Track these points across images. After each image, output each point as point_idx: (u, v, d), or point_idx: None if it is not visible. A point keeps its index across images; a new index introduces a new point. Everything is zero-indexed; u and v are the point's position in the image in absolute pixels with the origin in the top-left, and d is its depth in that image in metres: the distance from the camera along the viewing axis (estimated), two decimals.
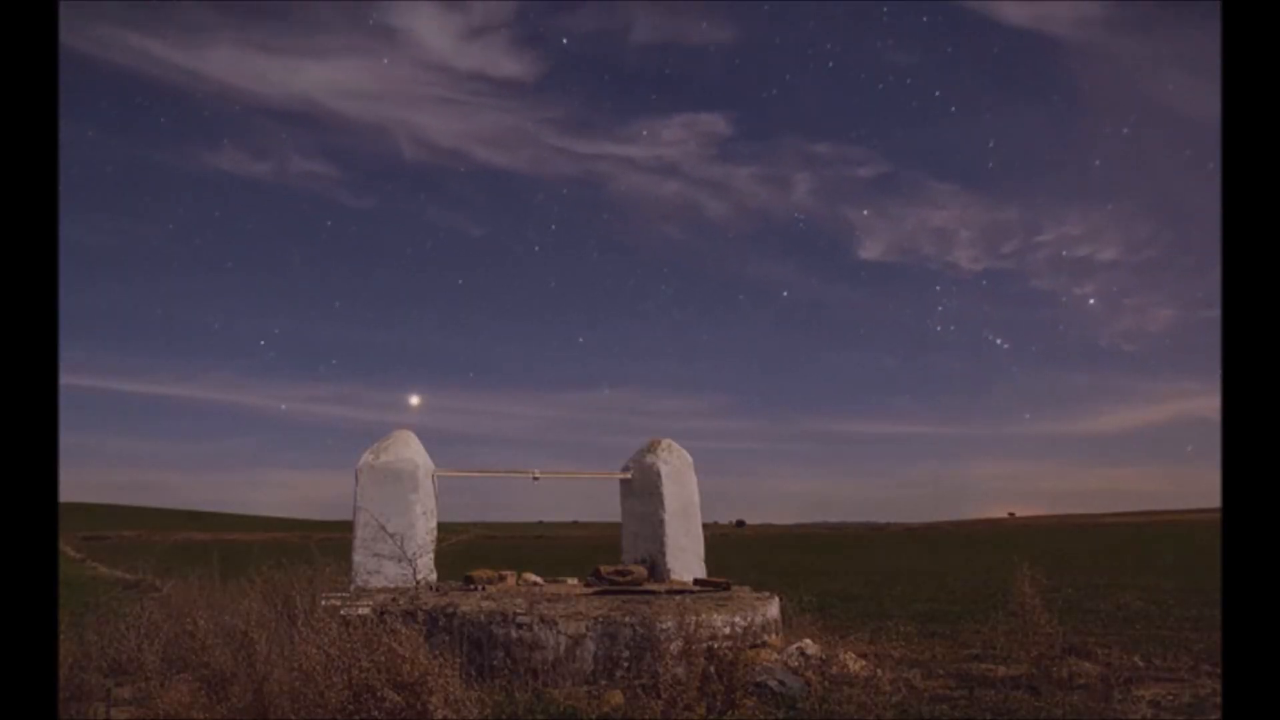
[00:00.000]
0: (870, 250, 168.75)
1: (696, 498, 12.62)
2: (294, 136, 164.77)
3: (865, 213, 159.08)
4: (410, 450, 11.33)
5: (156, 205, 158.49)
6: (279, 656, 7.64)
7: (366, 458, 11.14)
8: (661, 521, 12.20)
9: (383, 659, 6.65)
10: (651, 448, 12.76)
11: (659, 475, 12.30)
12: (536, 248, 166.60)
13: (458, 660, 7.12)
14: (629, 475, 12.79)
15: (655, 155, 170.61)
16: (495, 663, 8.79)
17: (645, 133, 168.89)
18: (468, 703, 6.80)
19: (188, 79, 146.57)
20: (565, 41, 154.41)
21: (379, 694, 6.48)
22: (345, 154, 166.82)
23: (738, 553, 53.27)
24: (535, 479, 12.06)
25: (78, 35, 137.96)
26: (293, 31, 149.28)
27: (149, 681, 7.94)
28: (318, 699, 6.55)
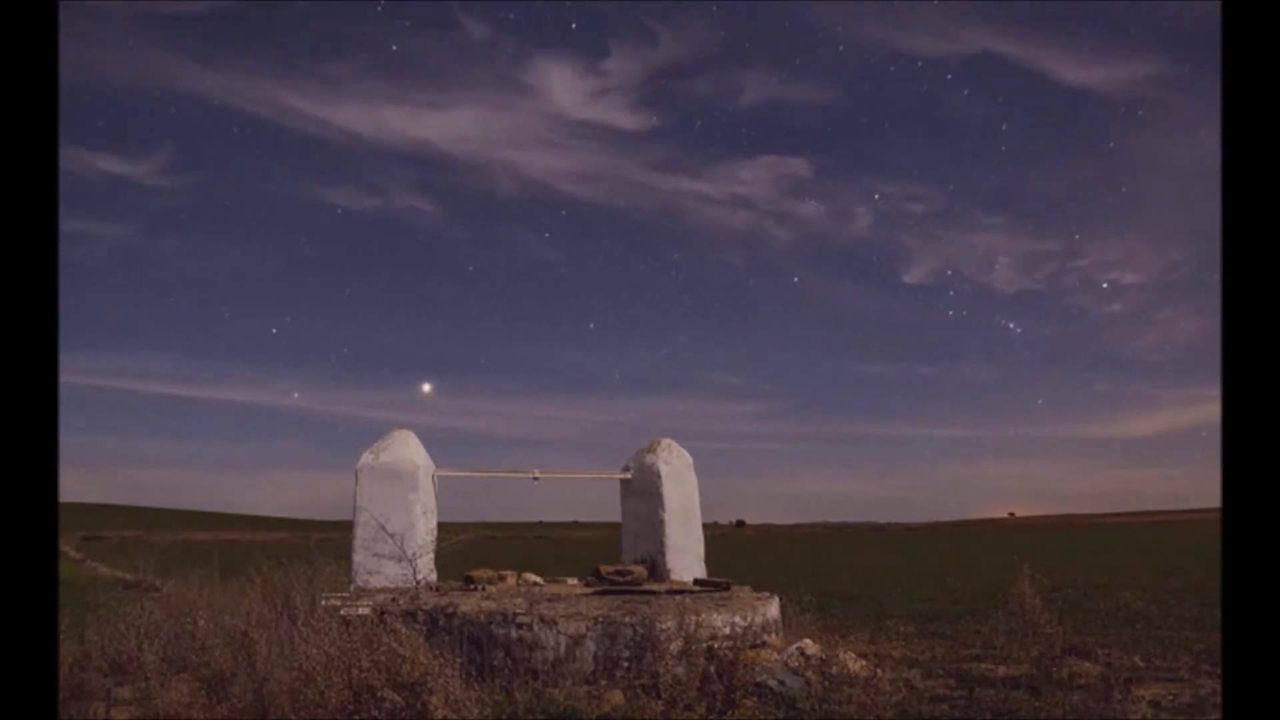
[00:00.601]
0: (913, 274, 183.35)
1: (696, 498, 12.62)
2: (404, 175, 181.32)
3: (915, 240, 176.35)
4: (410, 450, 11.33)
5: (270, 233, 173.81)
6: (279, 656, 7.64)
7: (366, 458, 11.14)
8: (661, 521, 12.19)
9: (383, 659, 6.65)
10: (651, 448, 12.76)
11: (659, 475, 12.30)
12: (603, 267, 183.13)
13: (458, 660, 7.12)
14: (629, 475, 12.79)
15: (731, 191, 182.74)
16: (495, 663, 8.79)
17: (726, 172, 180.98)
18: (468, 703, 6.80)
19: (319, 127, 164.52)
20: (678, 100, 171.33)
21: (379, 694, 6.48)
22: (447, 189, 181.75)
23: (738, 553, 53.29)
24: (535, 479, 12.06)
25: (236, 95, 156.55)
26: (425, 86, 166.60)
27: (149, 681, 7.93)
28: (318, 699, 6.55)
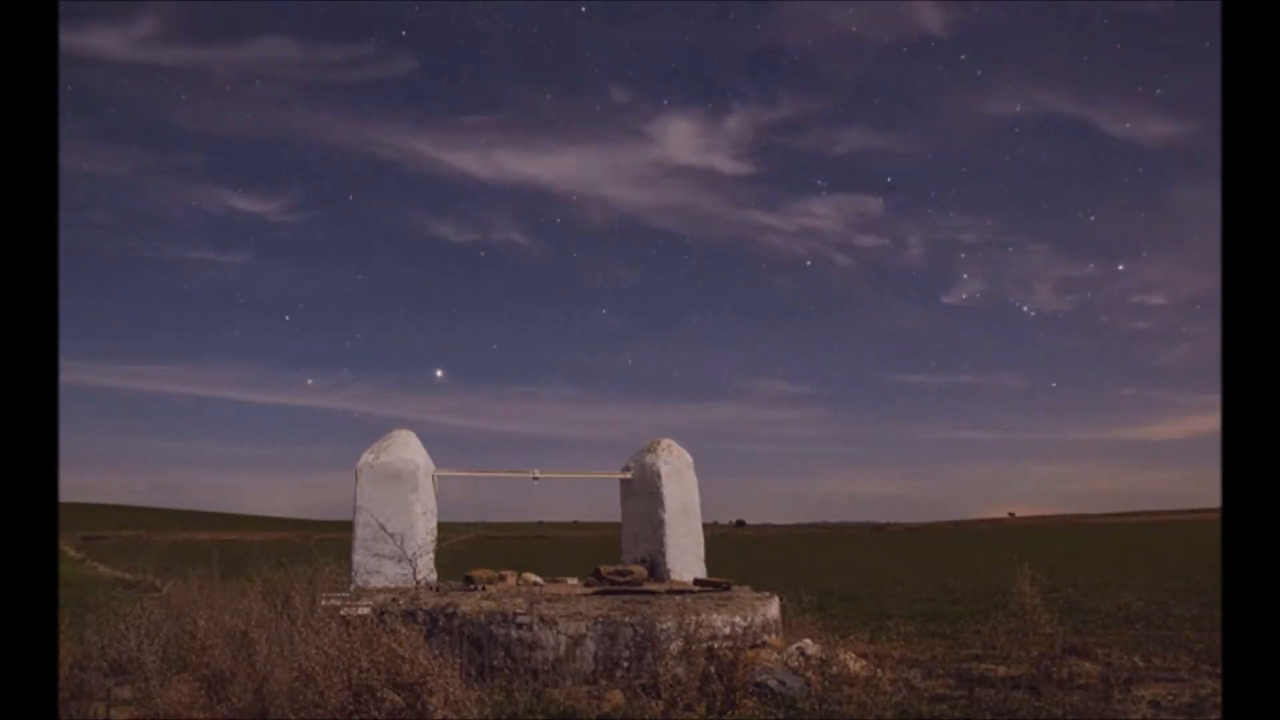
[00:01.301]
0: (954, 295, 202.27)
1: (697, 497, 12.62)
2: (507, 210, 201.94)
3: (964, 262, 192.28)
4: (410, 450, 11.33)
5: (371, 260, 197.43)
6: (279, 656, 7.64)
7: (366, 458, 11.14)
8: (661, 521, 12.19)
9: (382, 659, 6.66)
10: (651, 447, 12.76)
11: (659, 475, 12.30)
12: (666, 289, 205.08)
13: (458, 660, 7.12)
14: (629, 475, 12.79)
15: (801, 224, 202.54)
16: (495, 663, 8.80)
17: (802, 208, 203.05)
18: (467, 703, 6.81)
19: (437, 167, 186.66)
20: (779, 151, 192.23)
21: (379, 694, 6.48)
22: (542, 222, 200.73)
23: (738, 553, 53.29)
24: (535, 479, 12.06)
25: (374, 144, 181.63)
26: (552, 136, 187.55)
27: (149, 681, 7.94)
28: (317, 699, 6.56)
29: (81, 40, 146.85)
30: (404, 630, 6.91)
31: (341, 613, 8.68)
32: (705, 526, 12.78)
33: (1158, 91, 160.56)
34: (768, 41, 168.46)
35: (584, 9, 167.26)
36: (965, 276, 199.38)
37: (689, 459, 12.74)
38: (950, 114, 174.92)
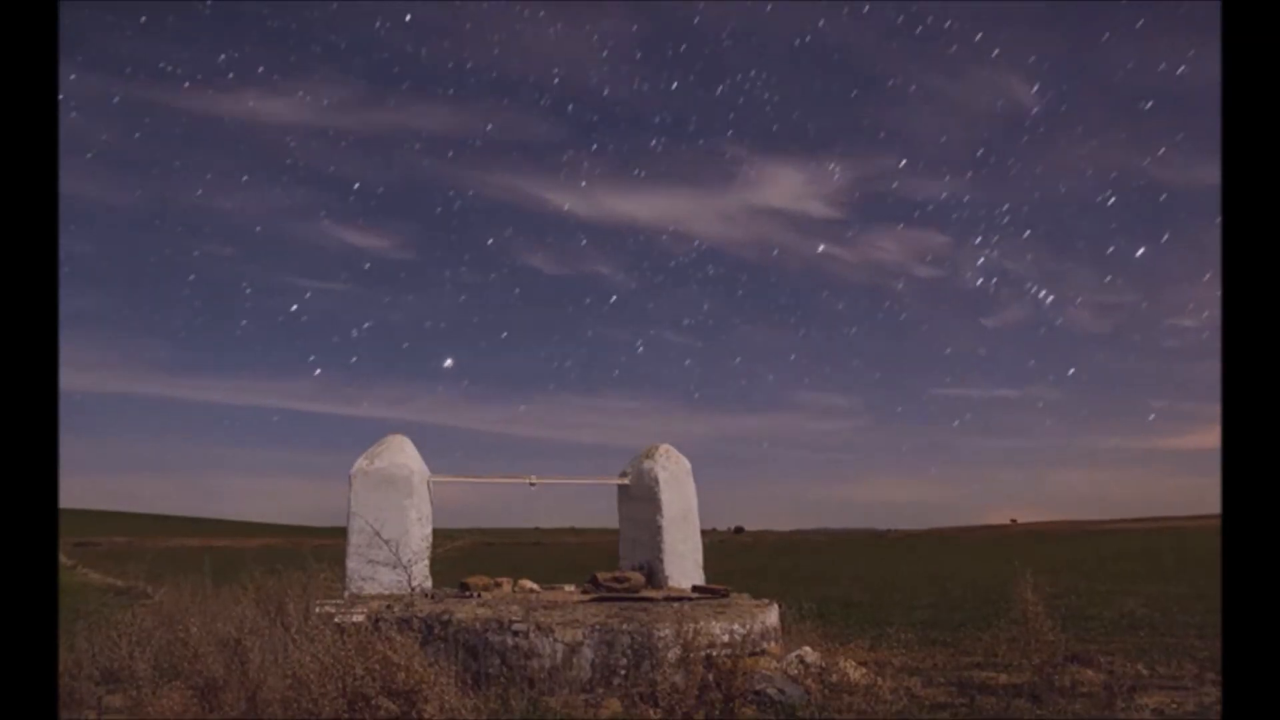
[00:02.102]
0: (994, 318, 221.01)
1: (695, 503, 12.63)
2: (595, 243, 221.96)
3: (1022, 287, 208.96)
4: (405, 455, 11.33)
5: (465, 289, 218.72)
6: (272, 664, 7.65)
7: (360, 463, 11.14)
8: (659, 528, 12.19)
9: (377, 667, 6.66)
10: (649, 453, 12.76)
11: (657, 481, 12.30)
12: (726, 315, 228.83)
13: (453, 668, 7.13)
14: (626, 481, 12.80)
15: (866, 257, 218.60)
16: (491, 671, 8.79)
17: (868, 241, 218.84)
18: (463, 711, 6.81)
19: (539, 205, 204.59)
20: (868, 198, 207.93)
21: (373, 702, 6.49)
22: (629, 253, 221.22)
23: (736, 559, 53.28)
24: (532, 485, 12.06)
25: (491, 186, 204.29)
26: (661, 180, 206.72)
27: (140, 689, 7.94)
28: (312, 707, 6.56)
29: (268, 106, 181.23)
30: (399, 638, 6.92)
31: (336, 620, 8.68)
32: (703, 533, 12.80)
33: (1195, 141, 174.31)
34: (873, 112, 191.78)
35: (692, 77, 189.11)
36: (1007, 300, 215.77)
37: (687, 465, 12.75)
38: (1024, 176, 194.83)
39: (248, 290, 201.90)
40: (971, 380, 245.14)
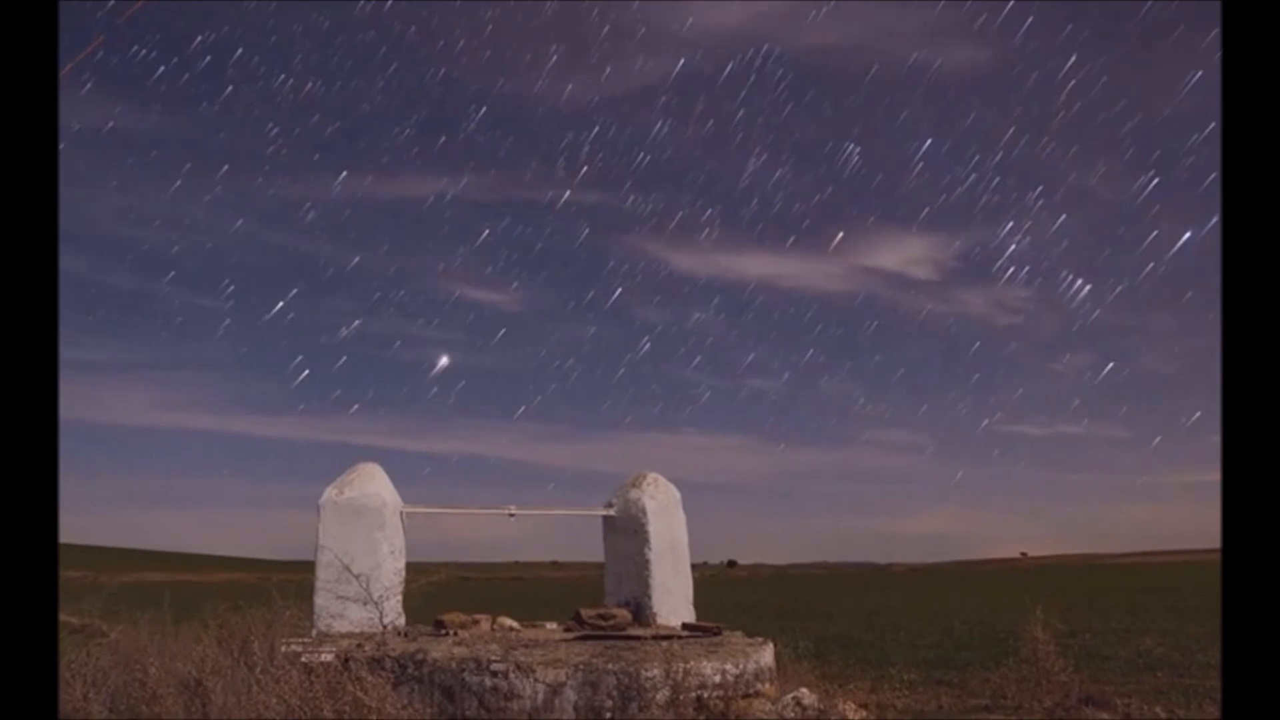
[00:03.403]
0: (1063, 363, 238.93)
1: (685, 536, 12.61)
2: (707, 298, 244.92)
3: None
4: (376, 484, 11.30)
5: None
6: (235, 707, 7.61)
7: (329, 493, 11.11)
8: (647, 561, 12.17)
9: (347, 709, 6.64)
10: (636, 482, 12.74)
11: (644, 512, 12.29)
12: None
13: (428, 710, 7.11)
14: (612, 512, 12.78)
15: (954, 311, 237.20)
16: (468, 713, 8.76)
17: (958, 294, 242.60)
18: None
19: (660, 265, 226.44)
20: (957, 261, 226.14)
21: None
22: (729, 305, 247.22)
23: (729, 594, 53.17)
24: (511, 516, 12.04)
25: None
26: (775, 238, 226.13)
27: None
28: None
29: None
30: (370, 678, 6.90)
31: (303, 659, 8.64)
32: (694, 567, 12.77)
33: None
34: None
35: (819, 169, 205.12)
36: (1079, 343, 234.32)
37: (676, 494, 12.74)
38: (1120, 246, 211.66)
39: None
40: (984, 411, 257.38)
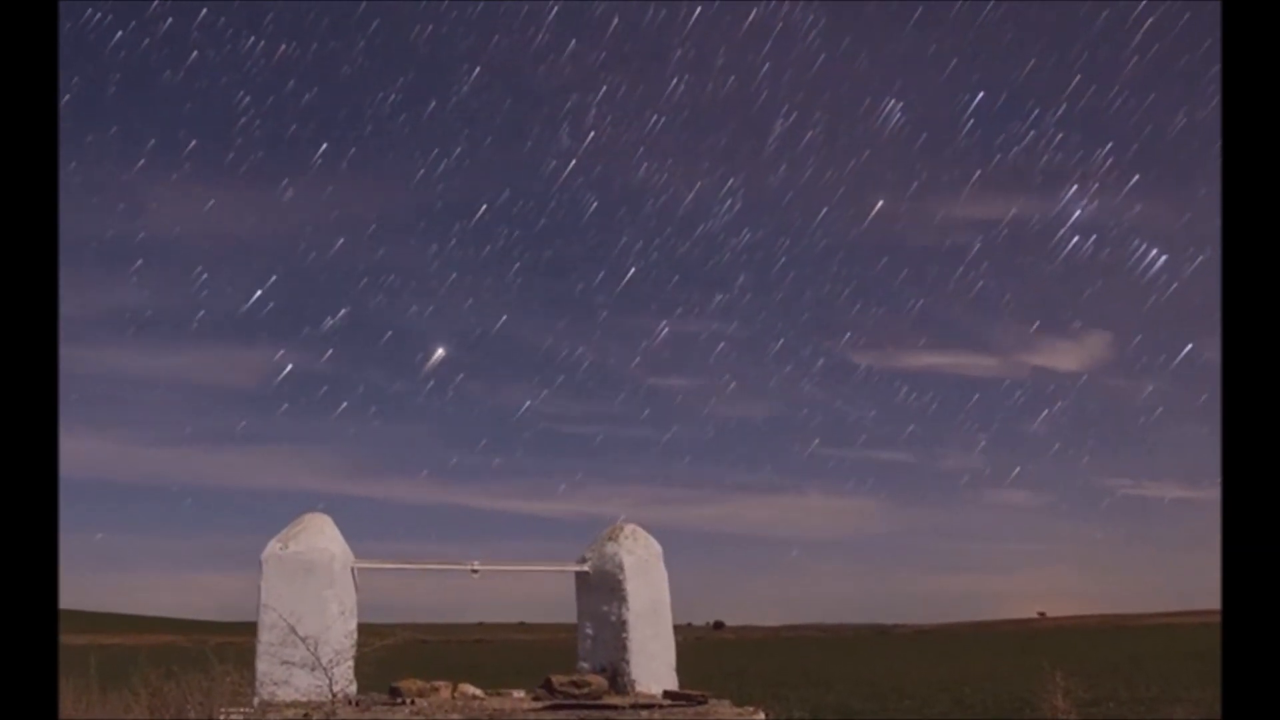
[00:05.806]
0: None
1: (667, 594, 12.61)
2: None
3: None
4: (325, 538, 11.29)
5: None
6: None
7: (273, 547, 11.09)
8: (624, 623, 12.17)
9: None
10: (612, 534, 12.74)
11: (621, 568, 12.29)
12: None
13: None
14: (586, 568, 12.80)
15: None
16: None
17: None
18: None
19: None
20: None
21: None
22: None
23: (715, 659, 53.05)
24: (475, 572, 12.05)
25: None
26: None
27: None
28: None
29: None
30: None
31: None
32: (677, 628, 12.77)
33: None
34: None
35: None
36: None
37: (658, 548, 12.73)
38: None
39: None
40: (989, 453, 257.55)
